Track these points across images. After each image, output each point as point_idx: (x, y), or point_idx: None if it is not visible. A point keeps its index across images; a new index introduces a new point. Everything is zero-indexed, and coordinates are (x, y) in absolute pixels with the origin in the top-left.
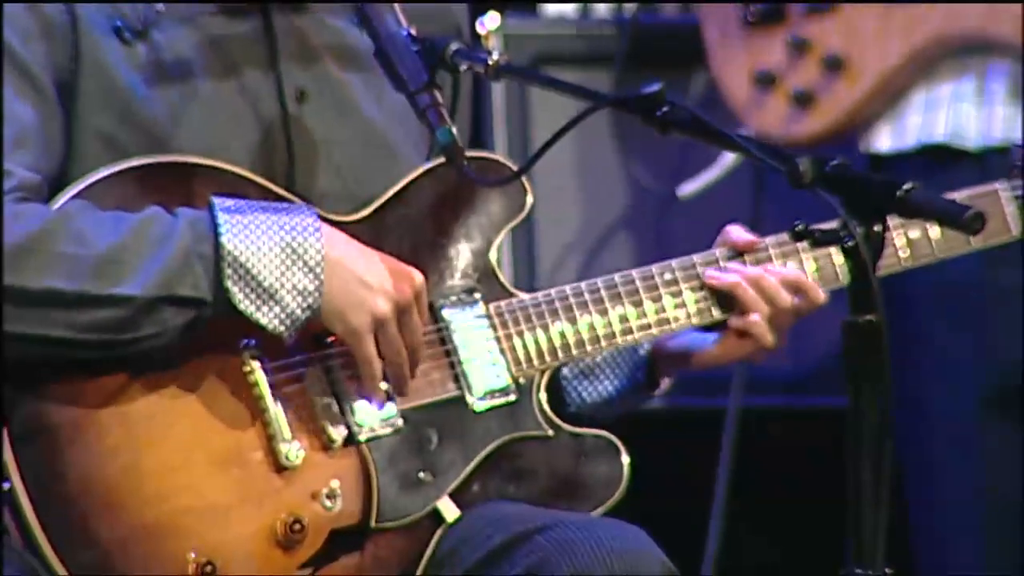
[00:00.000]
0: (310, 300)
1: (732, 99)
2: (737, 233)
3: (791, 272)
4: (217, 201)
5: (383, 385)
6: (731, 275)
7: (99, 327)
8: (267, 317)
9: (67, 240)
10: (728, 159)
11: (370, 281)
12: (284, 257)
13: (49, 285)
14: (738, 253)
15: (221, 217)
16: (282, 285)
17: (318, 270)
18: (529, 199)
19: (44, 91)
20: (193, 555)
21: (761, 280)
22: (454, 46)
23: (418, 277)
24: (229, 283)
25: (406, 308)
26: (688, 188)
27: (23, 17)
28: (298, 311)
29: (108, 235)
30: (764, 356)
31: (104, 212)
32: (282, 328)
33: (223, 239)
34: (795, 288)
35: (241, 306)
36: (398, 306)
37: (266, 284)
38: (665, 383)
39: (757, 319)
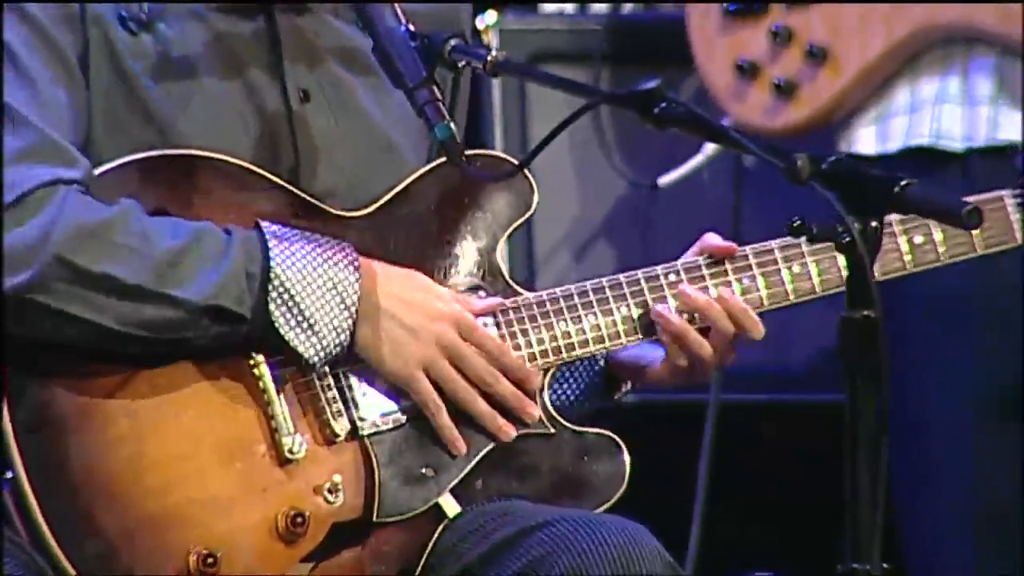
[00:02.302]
0: (342, 337)
1: (714, 89)
2: (715, 241)
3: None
4: (264, 225)
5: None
6: (676, 320)
7: (144, 324)
8: (304, 346)
9: (131, 234)
10: (707, 149)
11: (408, 323)
12: (325, 291)
13: (108, 271)
14: (719, 260)
15: (271, 242)
16: (321, 318)
17: (352, 309)
18: (535, 197)
19: (74, 75)
20: (195, 546)
21: (699, 303)
22: (452, 42)
23: (456, 312)
24: (272, 306)
25: (452, 347)
26: (668, 178)
27: (49, 6)
28: (332, 346)
29: (168, 238)
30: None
31: (160, 217)
32: (316, 359)
33: (273, 263)
34: (736, 319)
35: (282, 331)
36: (442, 347)
37: (307, 313)
38: (627, 387)
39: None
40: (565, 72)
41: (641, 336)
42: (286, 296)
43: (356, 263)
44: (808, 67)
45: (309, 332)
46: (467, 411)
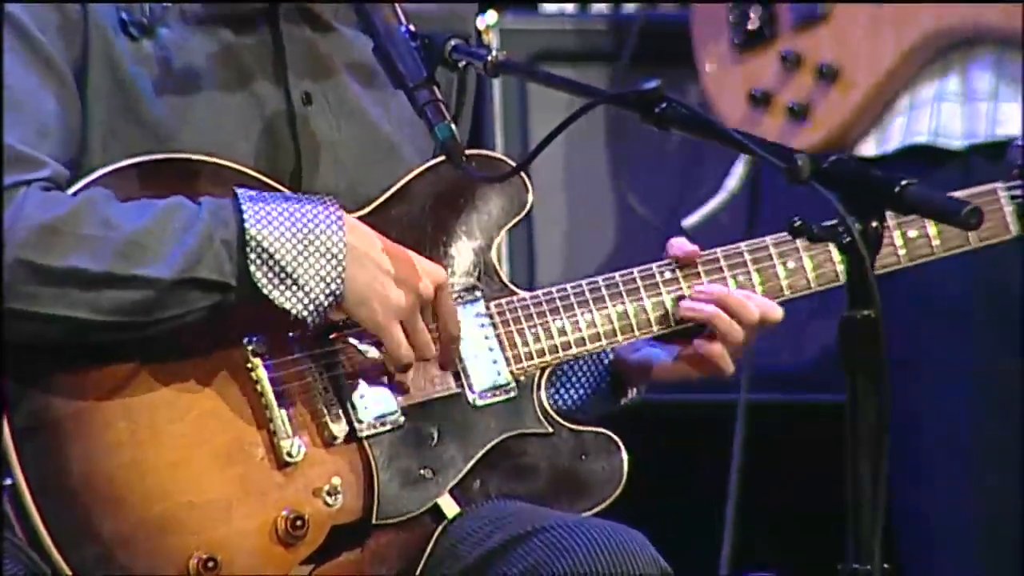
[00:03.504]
0: (332, 287)
1: (727, 120)
2: (679, 246)
3: (751, 295)
4: (240, 191)
5: (409, 376)
6: (709, 307)
7: (122, 309)
8: (291, 302)
9: (93, 223)
10: (729, 185)
11: (392, 272)
12: (307, 244)
13: (74, 265)
14: (713, 257)
15: (245, 204)
16: (305, 271)
17: (340, 257)
18: (530, 197)
19: (66, 84)
20: (195, 551)
21: (716, 295)
22: (453, 42)
23: (439, 271)
24: (253, 268)
25: (428, 303)
26: (692, 219)
27: (45, 10)
28: (321, 297)
29: (133, 220)
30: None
31: (127, 201)
32: (306, 313)
33: (246, 225)
34: (756, 304)
35: (265, 291)
36: (421, 300)
37: (289, 269)
38: (633, 392)
39: (721, 351)
40: (566, 72)
41: (637, 333)
42: (265, 256)
43: (339, 214)
44: (820, 88)
45: (295, 288)
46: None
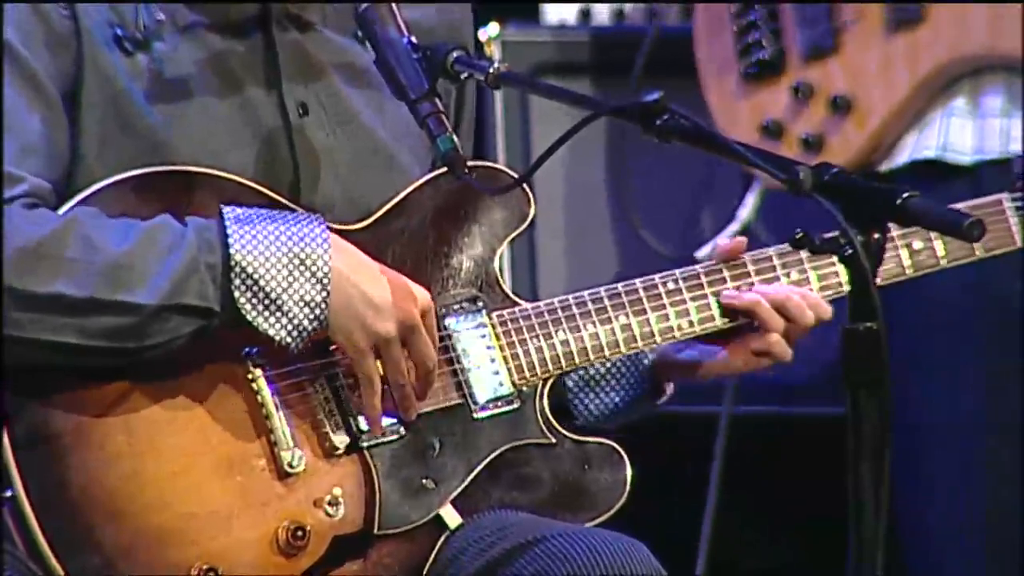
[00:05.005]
0: (317, 312)
1: None
2: (725, 246)
3: (804, 291)
4: (227, 210)
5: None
6: (749, 294)
7: (108, 334)
8: (274, 328)
9: (76, 246)
10: (742, 216)
11: (375, 299)
12: (292, 268)
13: (58, 290)
14: (716, 268)
15: (231, 227)
16: (289, 296)
17: (325, 281)
18: (531, 209)
19: (52, 101)
20: (195, 561)
21: (778, 297)
22: (455, 54)
23: (425, 297)
24: (237, 293)
25: (411, 328)
26: (704, 250)
27: (32, 25)
28: (305, 322)
29: (117, 242)
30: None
31: (113, 219)
32: (289, 339)
33: (232, 249)
34: (810, 304)
35: (249, 316)
36: (402, 326)
37: (273, 295)
38: (669, 390)
39: (777, 338)
40: (568, 84)
41: (640, 344)
42: (249, 281)
43: (326, 235)
44: (834, 119)
45: (278, 314)
46: (392, 392)
